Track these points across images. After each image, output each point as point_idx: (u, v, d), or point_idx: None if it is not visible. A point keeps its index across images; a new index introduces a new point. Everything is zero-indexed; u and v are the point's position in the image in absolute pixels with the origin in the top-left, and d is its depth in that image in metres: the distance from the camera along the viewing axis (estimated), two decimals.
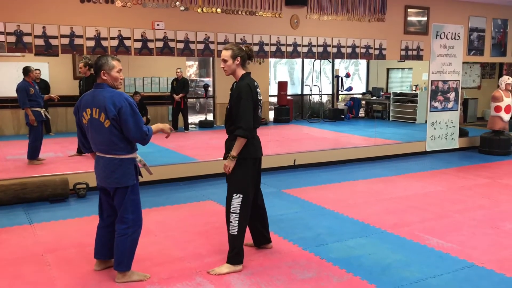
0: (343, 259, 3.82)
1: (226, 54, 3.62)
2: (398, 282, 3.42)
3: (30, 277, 3.49)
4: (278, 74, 12.64)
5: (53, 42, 5.63)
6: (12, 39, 5.42)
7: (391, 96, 12.12)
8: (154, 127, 3.41)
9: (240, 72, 3.66)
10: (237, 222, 3.57)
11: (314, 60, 11.60)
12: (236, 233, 3.57)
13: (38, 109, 6.96)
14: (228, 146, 3.64)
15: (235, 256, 3.59)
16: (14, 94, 6.96)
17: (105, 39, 5.89)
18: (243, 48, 3.68)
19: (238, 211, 3.58)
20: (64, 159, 7.41)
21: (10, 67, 8.09)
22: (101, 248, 3.56)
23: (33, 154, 6.92)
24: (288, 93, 12.02)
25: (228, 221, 3.61)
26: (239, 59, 3.62)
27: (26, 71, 6.90)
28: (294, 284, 3.38)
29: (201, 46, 6.53)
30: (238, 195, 3.58)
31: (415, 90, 11.73)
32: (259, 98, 3.66)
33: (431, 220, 4.83)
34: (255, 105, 3.59)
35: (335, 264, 3.72)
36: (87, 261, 3.75)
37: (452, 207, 5.28)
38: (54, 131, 8.72)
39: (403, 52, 8.30)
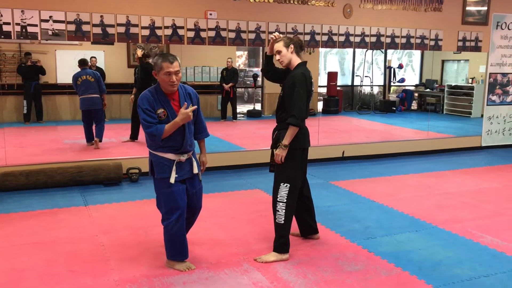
0: (392, 253, 3.76)
1: (279, 45, 3.63)
2: (448, 279, 3.33)
3: (86, 255, 3.65)
4: (328, 64, 12.50)
5: (110, 30, 5.80)
6: (72, 27, 5.63)
7: (446, 89, 11.73)
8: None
9: (296, 60, 3.65)
10: (284, 211, 3.58)
11: (366, 50, 11.39)
12: (282, 222, 3.58)
13: None
14: (277, 135, 3.65)
15: (281, 245, 3.60)
16: (71, 81, 7.27)
17: (159, 28, 6.01)
18: (293, 38, 3.70)
19: (285, 200, 3.58)
20: (118, 144, 7.67)
21: (68, 55, 8.43)
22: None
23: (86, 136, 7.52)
24: (338, 84, 11.86)
25: (275, 210, 3.62)
26: (292, 46, 3.62)
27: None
28: (341, 276, 3.36)
29: (252, 36, 6.54)
30: (285, 184, 3.59)
31: (471, 83, 11.30)
32: (312, 88, 3.65)
33: (485, 218, 4.66)
34: (308, 95, 3.58)
35: (384, 258, 3.66)
36: (138, 243, 3.88)
37: (508, 205, 5.07)
38: (108, 118, 9.02)
39: (460, 43, 7.99)
